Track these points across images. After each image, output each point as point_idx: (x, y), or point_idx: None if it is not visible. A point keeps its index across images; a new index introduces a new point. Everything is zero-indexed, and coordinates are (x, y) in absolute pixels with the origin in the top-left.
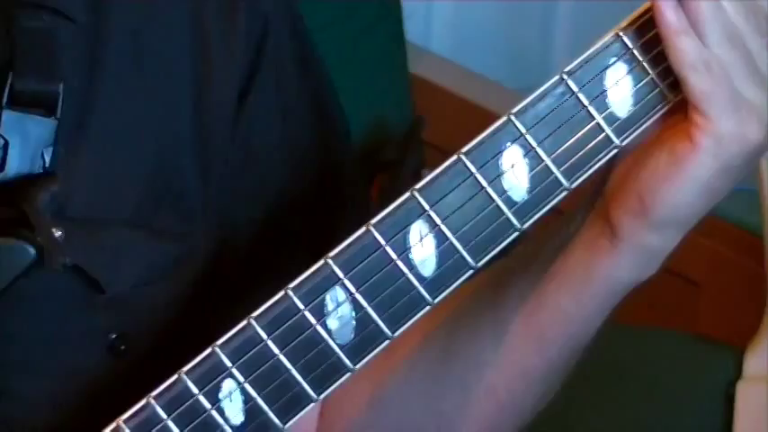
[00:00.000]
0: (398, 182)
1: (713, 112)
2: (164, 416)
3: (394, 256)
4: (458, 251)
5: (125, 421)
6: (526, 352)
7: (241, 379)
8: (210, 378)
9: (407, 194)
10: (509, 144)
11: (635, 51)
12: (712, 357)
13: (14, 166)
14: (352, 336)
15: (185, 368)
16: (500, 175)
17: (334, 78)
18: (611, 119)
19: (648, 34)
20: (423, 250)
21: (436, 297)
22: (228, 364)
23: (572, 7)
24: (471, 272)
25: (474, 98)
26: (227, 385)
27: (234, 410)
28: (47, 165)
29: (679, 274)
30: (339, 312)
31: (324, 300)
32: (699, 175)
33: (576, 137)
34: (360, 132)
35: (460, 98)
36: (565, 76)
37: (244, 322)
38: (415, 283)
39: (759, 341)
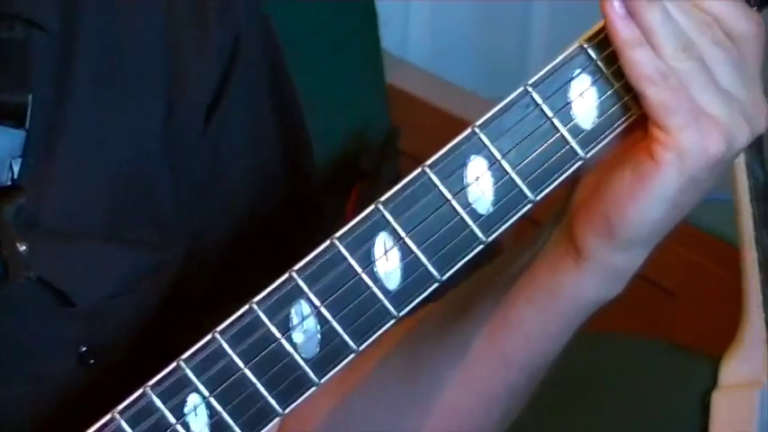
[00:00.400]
0: (375, 192)
1: (673, 124)
2: (129, 430)
3: (359, 269)
4: (422, 264)
5: None
6: (489, 370)
7: (206, 393)
8: (175, 392)
9: (372, 207)
10: (473, 156)
11: (599, 63)
12: (688, 366)
13: None
14: (318, 349)
15: (150, 382)
16: (465, 187)
17: (312, 88)
18: (575, 131)
19: (612, 46)
20: (387, 263)
21: (401, 310)
22: (194, 378)
23: (548, 17)
24: (436, 284)
25: (450, 108)
26: (192, 399)
27: (199, 425)
28: (15, 176)
29: (655, 282)
30: (304, 326)
31: (289, 313)
32: (664, 191)
33: (541, 149)
34: (337, 141)
35: (437, 108)
36: (529, 88)
37: (209, 336)
38: (380, 296)
39: (734, 350)
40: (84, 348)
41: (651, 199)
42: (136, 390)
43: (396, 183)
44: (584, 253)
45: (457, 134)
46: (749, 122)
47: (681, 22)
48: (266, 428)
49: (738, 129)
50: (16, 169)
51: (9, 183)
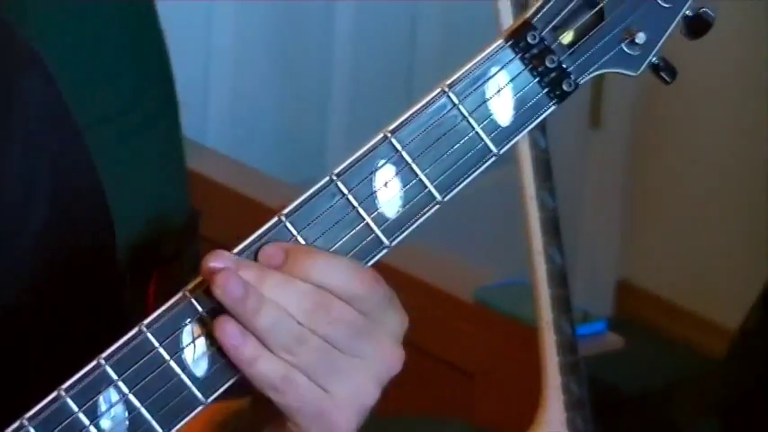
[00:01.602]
0: (177, 276)
1: (301, 420)
2: None
3: (167, 356)
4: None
5: None
6: None
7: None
8: None
9: (180, 295)
10: None
11: (403, 153)
12: None
13: None
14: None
15: None
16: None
17: (111, 173)
18: (380, 219)
19: (417, 133)
20: (195, 350)
21: (209, 396)
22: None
23: (348, 102)
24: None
25: (251, 193)
26: None
27: None
28: None
29: (455, 366)
30: (112, 413)
31: (97, 400)
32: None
33: (347, 237)
34: (136, 226)
35: (237, 193)
36: (335, 178)
37: (16, 423)
38: (188, 383)
39: (537, 427)
40: None
41: None
42: None
43: (197, 266)
44: None
45: (258, 218)
46: (380, 376)
47: (293, 311)
48: None
49: (370, 393)
50: None
51: None
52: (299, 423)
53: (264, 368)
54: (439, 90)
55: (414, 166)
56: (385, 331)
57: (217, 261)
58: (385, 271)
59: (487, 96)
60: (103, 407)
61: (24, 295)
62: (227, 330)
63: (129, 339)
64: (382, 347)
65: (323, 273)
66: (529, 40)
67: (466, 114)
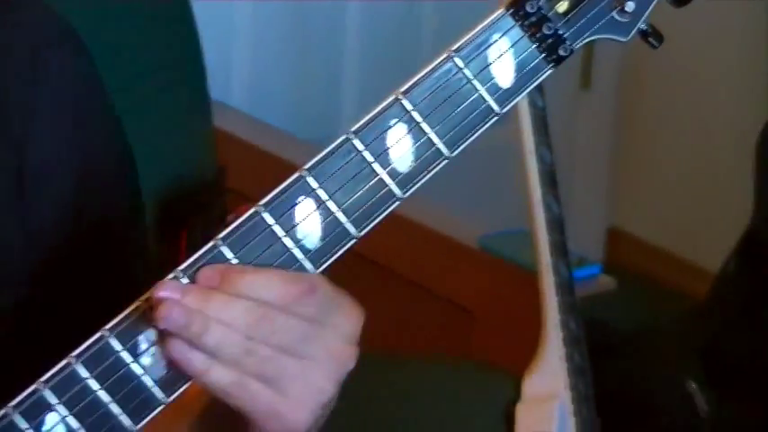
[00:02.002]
0: (206, 225)
1: (259, 421)
2: None
3: None
4: None
5: None
6: None
7: (65, 412)
8: (36, 412)
9: (211, 244)
10: (302, 198)
11: (413, 113)
12: (493, 382)
13: None
14: (165, 371)
15: (12, 403)
16: (294, 225)
17: (140, 131)
18: (393, 174)
19: (426, 95)
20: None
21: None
22: (53, 399)
23: (359, 64)
24: None
25: (271, 149)
26: (51, 418)
27: None
28: None
29: (461, 306)
30: (152, 351)
31: (138, 339)
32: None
33: (363, 190)
34: (167, 182)
35: (259, 149)
36: (351, 136)
37: (64, 362)
38: None
39: (535, 366)
40: None
41: None
42: None
43: (224, 218)
44: None
45: (278, 173)
46: (332, 375)
47: (238, 327)
48: None
49: (325, 389)
50: None
51: None
52: (256, 421)
53: (215, 378)
54: (445, 55)
55: (423, 124)
56: (334, 333)
57: (163, 291)
58: (397, 221)
59: (490, 61)
60: (143, 346)
61: (55, 255)
62: (176, 347)
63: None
64: (331, 348)
65: (257, 289)
66: (528, 8)
67: (470, 77)
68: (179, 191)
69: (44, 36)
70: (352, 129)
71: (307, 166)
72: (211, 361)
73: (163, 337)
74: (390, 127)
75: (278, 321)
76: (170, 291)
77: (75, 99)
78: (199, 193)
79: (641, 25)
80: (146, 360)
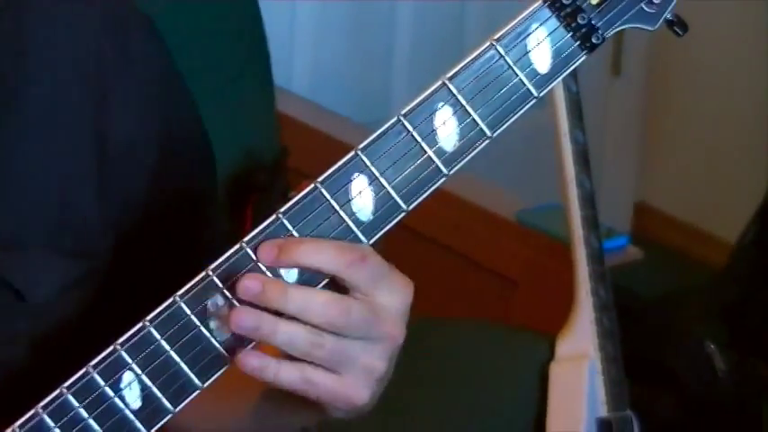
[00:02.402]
0: (270, 201)
1: (324, 404)
2: (75, 404)
3: (263, 267)
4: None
5: (43, 408)
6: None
7: (139, 371)
8: (113, 371)
9: (273, 216)
10: (357, 175)
11: (458, 97)
12: (529, 343)
13: None
14: (230, 334)
15: (91, 363)
16: (350, 200)
17: (212, 118)
18: (440, 152)
19: (470, 80)
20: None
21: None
22: (128, 359)
23: (408, 53)
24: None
25: (328, 131)
26: (127, 377)
27: (133, 397)
28: None
29: (500, 274)
30: (218, 314)
31: (206, 304)
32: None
33: (412, 168)
34: (236, 162)
35: (318, 131)
36: (402, 118)
37: (140, 324)
38: None
39: (568, 329)
40: (35, 338)
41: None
42: (79, 369)
43: (286, 195)
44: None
45: (335, 153)
46: (385, 353)
47: (309, 321)
48: (189, 399)
49: (378, 362)
50: None
51: None
52: (320, 405)
53: (285, 378)
54: (488, 44)
55: (468, 107)
56: (385, 313)
57: (248, 280)
58: (443, 196)
59: (529, 48)
60: (211, 309)
61: (133, 224)
62: (248, 360)
63: (231, 254)
64: (384, 329)
65: (312, 257)
66: (564, 0)
67: (511, 64)
68: (246, 169)
69: (123, 23)
70: (403, 111)
71: (361, 146)
72: (279, 365)
73: (229, 302)
74: (437, 109)
75: (351, 316)
76: (252, 281)
77: (152, 79)
78: (263, 171)
79: (667, 15)
80: (212, 324)
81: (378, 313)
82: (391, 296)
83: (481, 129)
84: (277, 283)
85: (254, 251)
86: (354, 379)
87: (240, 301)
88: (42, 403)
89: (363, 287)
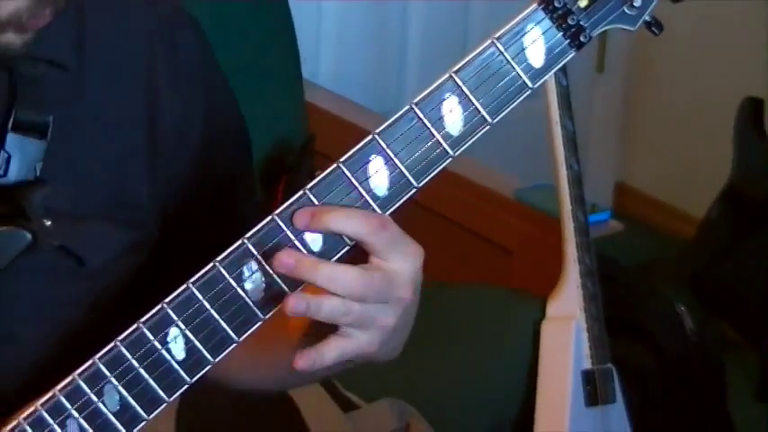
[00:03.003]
0: (298, 180)
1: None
2: (128, 355)
3: (292, 237)
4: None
5: (99, 358)
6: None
7: (183, 327)
8: (161, 327)
9: (301, 192)
10: (374, 156)
11: (463, 88)
12: (523, 304)
13: (14, 173)
14: (263, 294)
15: (142, 320)
16: (367, 178)
17: (248, 107)
18: (447, 136)
19: (473, 73)
20: (314, 234)
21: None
22: (174, 317)
23: (420, 51)
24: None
25: (350, 118)
26: (173, 332)
27: (178, 350)
28: (38, 174)
29: (498, 245)
30: (253, 278)
31: (242, 269)
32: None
33: (422, 150)
34: (269, 146)
35: (340, 119)
36: (413, 106)
37: (183, 287)
38: (303, 252)
39: (557, 292)
40: (93, 298)
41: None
42: (130, 326)
43: (313, 174)
44: None
45: (355, 138)
46: (400, 310)
47: (341, 293)
48: (227, 351)
49: (394, 318)
50: (38, 169)
51: (34, 178)
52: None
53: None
54: (489, 41)
55: (471, 97)
56: (399, 278)
57: (285, 256)
58: (448, 176)
59: (525, 45)
60: (246, 274)
61: (185, 197)
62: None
63: (264, 225)
64: (399, 293)
65: (341, 222)
66: (556, 3)
67: (509, 59)
68: (277, 152)
69: (172, 22)
70: (414, 100)
71: (377, 131)
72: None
73: (262, 266)
74: (445, 99)
75: (371, 286)
76: (287, 257)
77: (196, 71)
78: (292, 153)
79: (646, 17)
80: (248, 285)
81: (393, 280)
82: (405, 261)
83: (483, 116)
84: (309, 258)
85: (285, 222)
86: (371, 336)
87: (273, 269)
88: (99, 355)
89: (383, 251)
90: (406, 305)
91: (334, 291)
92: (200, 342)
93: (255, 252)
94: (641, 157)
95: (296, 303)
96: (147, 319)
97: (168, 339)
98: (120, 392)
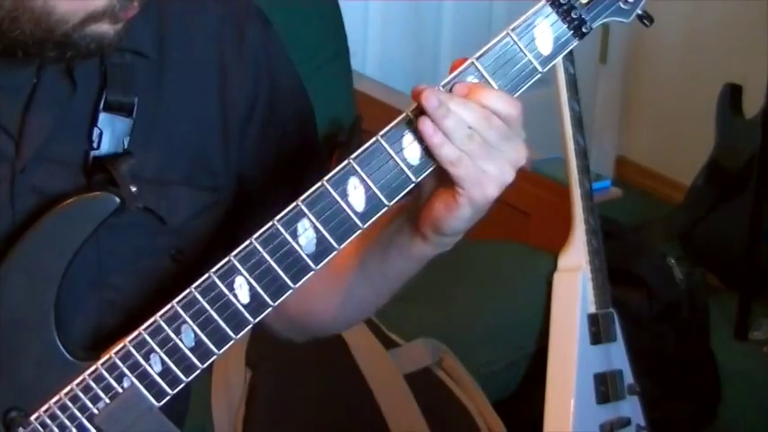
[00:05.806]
0: (348, 154)
1: (466, 186)
2: (201, 300)
3: (338, 198)
4: (378, 197)
5: (177, 302)
6: (377, 279)
7: (247, 275)
8: (227, 276)
9: (346, 162)
10: (407, 131)
11: (483, 72)
12: (538, 258)
13: (105, 146)
14: (314, 248)
15: (213, 270)
16: (402, 149)
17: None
18: None
19: (492, 59)
20: (356, 195)
21: (366, 223)
22: (240, 267)
23: (451, 45)
24: (386, 208)
25: (393, 103)
26: (239, 281)
27: (243, 294)
28: (125, 147)
29: (517, 208)
30: (307, 234)
31: (297, 227)
32: (461, 216)
33: None
34: (324, 126)
35: (384, 103)
36: (441, 88)
37: (247, 242)
38: (352, 215)
39: (566, 248)
40: (173, 251)
41: (455, 220)
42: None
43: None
44: (426, 239)
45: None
46: (515, 165)
47: (467, 120)
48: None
49: (508, 174)
50: (126, 143)
51: (122, 151)
52: (466, 188)
53: (447, 151)
54: (505, 33)
55: (490, 80)
56: (519, 138)
57: (427, 91)
58: None
59: (535, 36)
60: (301, 230)
61: (254, 164)
62: (426, 124)
63: (315, 189)
64: (516, 146)
65: (495, 101)
66: (561, 0)
67: (522, 48)
68: (331, 130)
69: (241, 13)
70: (441, 82)
71: (409, 110)
72: (445, 140)
73: (313, 224)
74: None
75: (492, 121)
76: (431, 91)
77: (262, 56)
78: (342, 132)
79: (638, 11)
80: (302, 240)
81: (514, 138)
82: (518, 147)
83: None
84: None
85: (333, 186)
86: (492, 175)
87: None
88: (177, 299)
89: (513, 126)
90: (517, 164)
91: (466, 119)
92: (261, 288)
93: (307, 212)
94: (638, 134)
95: (430, 97)
96: (218, 269)
97: (235, 286)
98: (194, 331)
